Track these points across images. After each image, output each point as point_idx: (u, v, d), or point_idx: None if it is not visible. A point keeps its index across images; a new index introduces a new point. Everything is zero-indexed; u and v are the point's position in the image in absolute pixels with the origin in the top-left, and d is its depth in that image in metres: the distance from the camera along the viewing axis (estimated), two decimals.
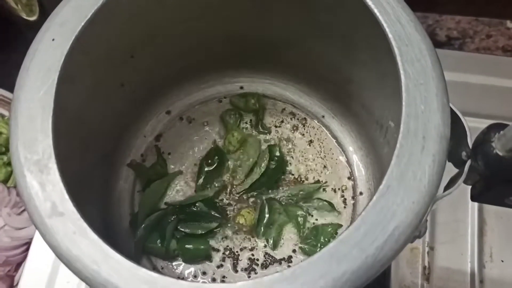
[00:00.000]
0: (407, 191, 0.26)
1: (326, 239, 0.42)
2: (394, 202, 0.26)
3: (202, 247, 0.42)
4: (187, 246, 0.42)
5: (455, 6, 0.67)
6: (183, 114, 0.48)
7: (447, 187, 0.30)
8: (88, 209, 0.31)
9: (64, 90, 0.30)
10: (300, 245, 0.43)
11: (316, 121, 0.48)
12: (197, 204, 0.44)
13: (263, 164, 0.45)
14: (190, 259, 0.43)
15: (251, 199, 0.45)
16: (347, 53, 0.39)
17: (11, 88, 0.31)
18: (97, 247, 0.26)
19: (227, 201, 0.45)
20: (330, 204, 0.43)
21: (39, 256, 0.49)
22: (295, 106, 0.48)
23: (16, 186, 0.55)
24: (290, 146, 0.47)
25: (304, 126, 0.47)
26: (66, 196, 0.27)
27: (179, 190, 0.45)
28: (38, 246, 0.49)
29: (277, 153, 0.45)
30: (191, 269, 0.42)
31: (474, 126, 0.31)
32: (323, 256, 0.25)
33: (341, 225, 0.43)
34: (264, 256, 0.43)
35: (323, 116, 0.47)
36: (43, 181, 0.28)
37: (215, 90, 0.49)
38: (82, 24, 0.31)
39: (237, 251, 0.43)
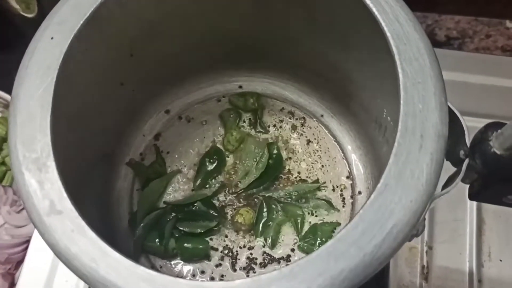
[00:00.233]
0: (405, 190, 0.26)
1: (324, 238, 0.42)
2: (392, 201, 0.26)
3: (201, 246, 0.43)
4: (186, 245, 0.43)
5: (454, 6, 0.67)
6: (182, 113, 0.48)
7: (445, 186, 0.30)
8: (87, 208, 0.32)
9: (63, 89, 0.30)
10: (298, 244, 0.43)
11: (315, 120, 0.48)
12: (196, 203, 0.44)
13: (261, 163, 0.45)
14: (189, 258, 0.43)
15: (250, 198, 0.45)
16: (346, 52, 0.39)
17: (10, 88, 0.31)
18: (95, 245, 0.26)
19: (226, 200, 0.45)
20: (329, 203, 0.44)
21: (38, 255, 0.49)
22: (294, 106, 0.48)
23: (11, 185, 0.55)
24: (288, 145, 0.47)
25: (303, 125, 0.48)
26: (65, 194, 0.27)
27: (178, 189, 0.45)
28: (37, 245, 0.49)
29: (275, 151, 0.45)
30: (190, 268, 0.43)
31: (473, 125, 0.31)
32: (321, 254, 0.26)
33: (339, 224, 0.43)
34: (263, 255, 0.43)
35: (322, 115, 0.47)
36: (41, 179, 0.28)
37: (214, 89, 0.49)
38: (81, 22, 0.31)
39: (235, 250, 0.43)
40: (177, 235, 0.43)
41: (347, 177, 0.45)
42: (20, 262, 0.52)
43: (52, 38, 0.31)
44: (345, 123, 0.46)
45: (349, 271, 0.25)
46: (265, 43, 0.44)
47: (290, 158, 0.46)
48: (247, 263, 0.42)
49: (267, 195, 0.45)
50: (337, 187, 0.45)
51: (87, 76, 0.34)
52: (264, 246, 0.43)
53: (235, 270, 0.42)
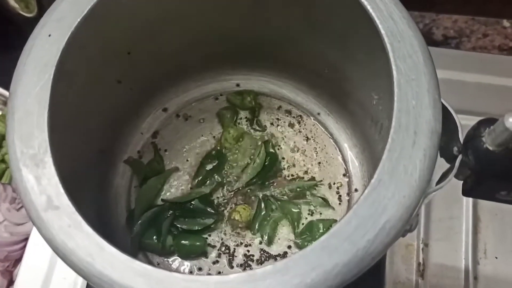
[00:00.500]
0: (398, 185, 0.27)
1: (321, 235, 0.42)
2: (385, 196, 0.27)
3: (198, 243, 0.43)
4: (183, 242, 0.43)
5: (451, 5, 0.67)
6: (179, 111, 0.49)
7: (439, 182, 0.31)
8: (85, 205, 0.32)
9: (60, 86, 0.31)
10: (295, 240, 0.43)
11: (311, 119, 0.48)
12: (193, 201, 0.44)
13: (258, 161, 0.45)
14: (186, 255, 0.43)
15: (247, 196, 0.45)
16: (343, 51, 0.39)
17: (9, 85, 0.31)
18: (91, 240, 0.27)
19: (223, 198, 0.45)
20: (325, 200, 0.44)
21: (36, 252, 0.49)
22: (291, 104, 0.48)
23: (10, 183, 0.55)
24: (285, 143, 0.47)
25: (299, 123, 0.48)
26: (62, 190, 0.28)
27: (176, 187, 0.46)
28: (35, 242, 0.49)
29: (271, 149, 0.45)
30: (187, 265, 0.43)
31: (470, 124, 0.31)
32: (315, 249, 0.26)
33: (336, 221, 0.43)
34: (260, 252, 0.43)
35: (318, 114, 0.48)
36: (38, 175, 0.28)
37: (212, 87, 0.49)
38: (79, 20, 0.31)
39: (233, 248, 0.43)
40: (174, 232, 0.43)
41: (344, 175, 0.46)
42: (18, 260, 0.52)
43: (49, 35, 0.31)
44: (341, 121, 0.47)
45: (343, 265, 0.25)
46: (262, 41, 0.44)
47: (287, 156, 0.46)
48: (244, 260, 0.43)
49: (264, 192, 0.45)
50: (334, 184, 0.45)
51: (84, 73, 0.35)
52: (261, 243, 0.43)
53: (232, 267, 0.43)
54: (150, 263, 0.42)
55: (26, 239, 0.51)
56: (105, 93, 0.40)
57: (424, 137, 0.27)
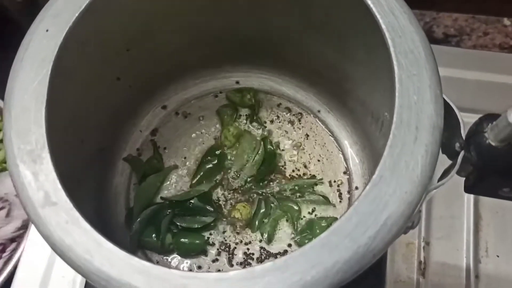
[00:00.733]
0: (400, 181, 0.26)
1: (321, 233, 0.42)
2: (387, 192, 0.26)
3: (198, 241, 0.42)
4: (182, 240, 0.42)
5: (452, 3, 0.67)
6: (179, 109, 0.48)
7: (440, 179, 0.30)
8: (84, 202, 0.31)
9: (58, 81, 0.30)
10: (295, 239, 0.43)
11: (312, 116, 0.48)
12: (192, 199, 0.44)
13: (258, 159, 0.45)
14: (186, 253, 0.43)
15: (247, 194, 0.45)
16: (343, 48, 0.39)
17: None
18: (89, 236, 0.26)
19: (223, 196, 0.45)
20: (325, 198, 0.43)
21: (35, 250, 0.49)
22: (291, 101, 0.48)
23: None
24: (285, 141, 0.47)
25: (299, 121, 0.47)
26: (59, 186, 0.27)
27: (175, 184, 0.45)
28: (34, 240, 0.49)
29: (269, 146, 0.45)
30: (187, 263, 0.42)
31: (471, 121, 0.30)
32: (315, 246, 0.26)
33: (336, 219, 0.43)
34: (260, 250, 0.43)
35: (318, 111, 0.47)
36: (36, 171, 0.28)
37: (211, 85, 0.49)
38: (76, 15, 0.31)
39: (232, 246, 0.43)
40: (174, 230, 0.43)
41: (344, 173, 0.45)
42: None
43: (47, 30, 0.31)
44: (342, 119, 0.46)
45: (343, 263, 0.25)
46: (262, 39, 0.44)
47: (287, 153, 0.46)
48: (244, 258, 0.42)
49: (264, 190, 0.45)
50: (334, 182, 0.45)
51: (82, 69, 0.34)
52: (260, 241, 0.43)
53: (231, 265, 0.42)
54: (149, 261, 0.42)
55: (2, 244, 0.50)
56: (104, 90, 0.39)
57: (426, 132, 0.27)
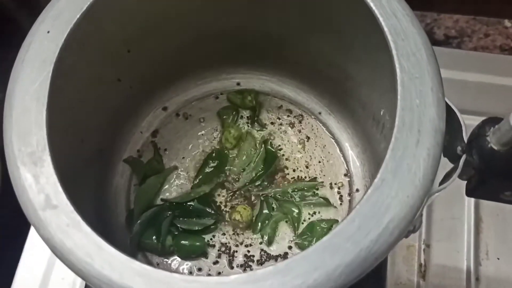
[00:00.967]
0: (402, 185, 0.26)
1: (321, 236, 0.41)
2: (389, 195, 0.26)
3: (198, 243, 0.42)
4: (183, 242, 0.42)
5: (453, 5, 0.67)
6: (179, 110, 0.48)
7: (442, 182, 0.30)
8: (84, 204, 0.31)
9: (59, 83, 0.30)
10: (296, 241, 0.43)
11: (312, 118, 0.47)
12: (193, 201, 0.44)
13: (258, 161, 0.45)
14: (186, 255, 0.42)
15: (247, 196, 0.44)
16: (344, 49, 0.39)
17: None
18: (90, 239, 0.26)
19: (223, 198, 0.45)
20: (326, 200, 0.43)
21: (34, 252, 0.48)
22: (291, 103, 0.48)
23: None
24: (286, 142, 0.47)
25: (300, 122, 0.47)
26: (60, 189, 0.27)
27: (175, 186, 0.45)
28: (33, 242, 0.49)
29: (270, 148, 0.45)
30: (187, 265, 0.42)
31: (471, 123, 0.30)
32: (317, 249, 0.25)
33: (337, 221, 0.43)
34: (260, 252, 0.43)
35: (319, 113, 0.47)
36: (36, 173, 0.28)
37: (212, 86, 0.49)
38: (78, 16, 0.31)
39: (233, 248, 0.43)
40: (174, 232, 0.43)
41: (345, 175, 0.45)
42: None
43: (48, 32, 0.30)
44: (343, 121, 0.46)
45: (345, 266, 0.25)
46: (263, 40, 0.44)
47: (288, 155, 0.46)
48: (244, 260, 0.42)
49: (264, 192, 0.44)
50: (335, 184, 0.45)
51: (83, 70, 0.34)
52: (261, 244, 0.43)
53: (232, 268, 0.42)
54: (149, 263, 0.42)
55: None
56: (105, 91, 0.39)
57: (428, 135, 0.27)
